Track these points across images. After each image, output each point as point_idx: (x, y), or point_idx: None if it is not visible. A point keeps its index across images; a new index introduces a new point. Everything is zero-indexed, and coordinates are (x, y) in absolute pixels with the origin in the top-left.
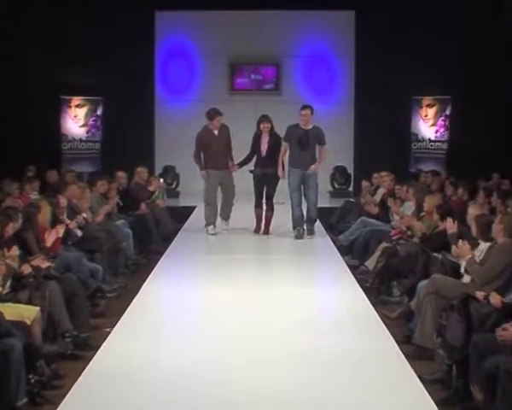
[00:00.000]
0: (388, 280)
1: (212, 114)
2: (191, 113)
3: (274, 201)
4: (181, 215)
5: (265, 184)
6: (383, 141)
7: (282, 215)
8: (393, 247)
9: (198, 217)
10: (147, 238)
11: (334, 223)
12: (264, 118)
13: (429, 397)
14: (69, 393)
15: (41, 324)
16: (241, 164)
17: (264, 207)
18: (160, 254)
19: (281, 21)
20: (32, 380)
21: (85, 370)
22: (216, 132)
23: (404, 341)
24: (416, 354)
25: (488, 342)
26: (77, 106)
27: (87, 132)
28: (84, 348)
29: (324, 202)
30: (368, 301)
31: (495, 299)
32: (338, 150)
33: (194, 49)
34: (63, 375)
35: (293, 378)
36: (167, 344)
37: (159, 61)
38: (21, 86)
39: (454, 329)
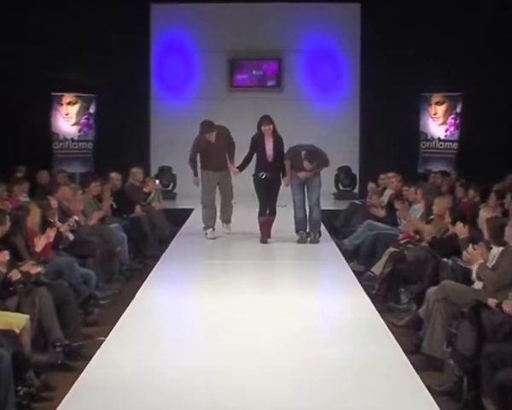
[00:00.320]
0: (396, 286)
1: (206, 127)
2: (188, 111)
3: (282, 206)
4: (178, 218)
5: (269, 189)
6: (390, 140)
7: (284, 218)
8: (401, 252)
9: (196, 220)
10: (142, 242)
11: (338, 226)
12: (266, 119)
13: None
14: (60, 405)
15: (30, 332)
16: (242, 168)
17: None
18: (155, 259)
19: (282, 14)
20: (21, 392)
21: (77, 381)
22: (213, 139)
23: (412, 350)
24: (424, 364)
25: (501, 353)
26: (68, 103)
27: (79, 131)
28: (75, 358)
29: (328, 204)
30: (374, 308)
31: (508, 306)
32: (342, 150)
33: (192, 43)
34: (54, 386)
35: (295, 389)
36: (163, 354)
37: (154, 56)
38: (9, 82)
39: (465, 338)
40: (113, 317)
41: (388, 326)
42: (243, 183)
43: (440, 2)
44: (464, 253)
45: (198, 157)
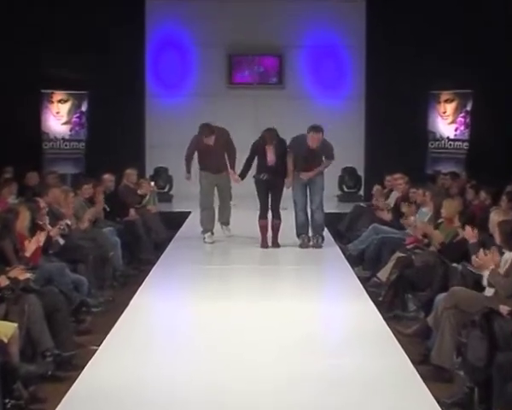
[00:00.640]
0: (403, 293)
1: (205, 132)
2: (185, 109)
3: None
4: (174, 221)
5: (271, 190)
6: (397, 140)
7: (286, 222)
8: (408, 257)
9: (193, 223)
10: (136, 247)
11: (342, 230)
12: (269, 133)
13: None
14: None
15: (19, 342)
16: (243, 175)
17: (270, 215)
18: (150, 264)
19: (284, 8)
20: (9, 405)
21: (68, 392)
22: (211, 142)
23: (421, 360)
24: (433, 374)
25: None
26: (59, 101)
27: (70, 130)
28: (66, 369)
29: (332, 207)
30: (380, 316)
31: None
32: (347, 150)
33: (189, 38)
34: (44, 398)
35: (297, 401)
36: (158, 363)
37: (150, 51)
38: None
39: (476, 347)
40: (106, 325)
41: (395, 335)
42: (243, 185)
43: None
44: (474, 258)
45: (196, 156)
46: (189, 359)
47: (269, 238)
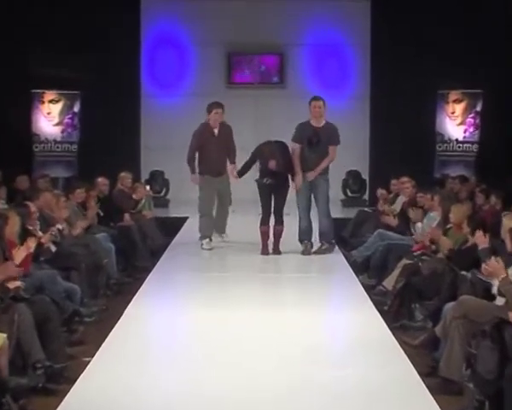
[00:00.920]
0: (409, 302)
1: (210, 105)
2: (183, 109)
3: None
4: (171, 227)
5: (273, 194)
6: (403, 142)
7: (289, 228)
8: (415, 264)
9: (191, 229)
10: (131, 254)
11: (346, 236)
12: (267, 148)
13: None
14: None
15: (8, 353)
16: (241, 174)
17: (272, 220)
18: (146, 271)
19: (285, 4)
20: None
21: (60, 406)
22: (215, 132)
23: (428, 372)
24: (441, 387)
25: None
26: (50, 101)
27: (62, 132)
28: (58, 381)
29: (335, 212)
30: (386, 326)
31: None
32: (351, 153)
33: (187, 36)
34: None
35: None
36: (154, 376)
37: (145, 49)
38: None
39: (486, 359)
40: (100, 336)
41: (401, 346)
42: (242, 190)
43: None
44: (485, 265)
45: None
46: (186, 370)
47: (270, 245)
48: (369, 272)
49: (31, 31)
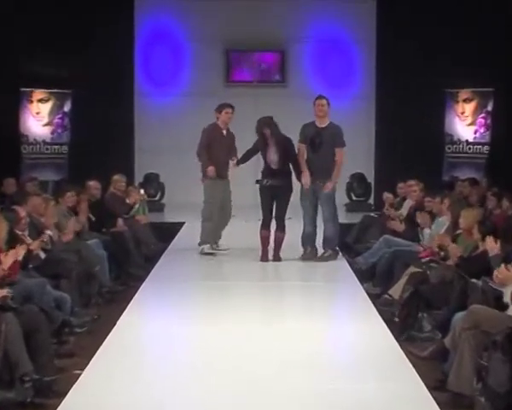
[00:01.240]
0: (417, 312)
1: (221, 105)
2: (178, 109)
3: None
4: (166, 233)
5: (274, 197)
6: (410, 143)
7: (290, 232)
8: (423, 271)
9: (187, 235)
10: (125, 261)
11: (350, 242)
12: (260, 123)
13: None
14: None
15: None
16: (240, 162)
17: (273, 226)
18: (140, 279)
19: None
20: None
21: None
22: (224, 132)
23: (437, 386)
24: (450, 401)
25: None
26: (39, 100)
27: (52, 133)
28: (47, 395)
29: (339, 217)
30: (392, 337)
31: None
32: (356, 155)
33: (182, 32)
34: None
35: None
36: (149, 389)
37: (139, 46)
38: None
39: (497, 371)
40: (91, 347)
41: (409, 358)
42: (242, 194)
43: None
44: (496, 273)
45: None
46: (182, 383)
47: (270, 251)
48: (375, 280)
49: (19, 27)
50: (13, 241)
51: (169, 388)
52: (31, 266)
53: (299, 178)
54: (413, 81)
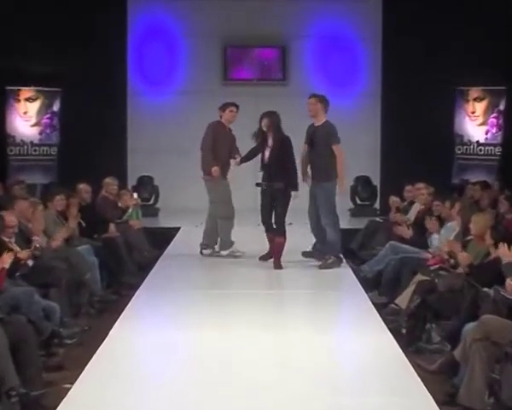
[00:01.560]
0: (425, 323)
1: (225, 104)
2: (174, 108)
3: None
4: (161, 239)
5: (273, 201)
6: (418, 144)
7: (291, 238)
8: (432, 280)
9: (183, 241)
10: (117, 268)
11: (355, 249)
12: (264, 114)
13: None
14: None
15: None
16: (243, 160)
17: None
18: (133, 288)
19: None
20: None
21: None
22: (227, 129)
23: (447, 400)
24: None
25: None
26: (27, 99)
27: (40, 133)
28: None
29: (343, 222)
30: (399, 348)
31: None
32: (360, 156)
33: (178, 27)
34: None
35: None
36: (141, 404)
37: (132, 42)
38: None
39: (510, 385)
40: (82, 359)
41: (417, 371)
42: (240, 197)
43: None
44: (509, 281)
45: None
46: (177, 398)
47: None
48: (381, 288)
49: (4, 21)
50: None
51: (163, 403)
52: (18, 274)
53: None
54: (421, 79)
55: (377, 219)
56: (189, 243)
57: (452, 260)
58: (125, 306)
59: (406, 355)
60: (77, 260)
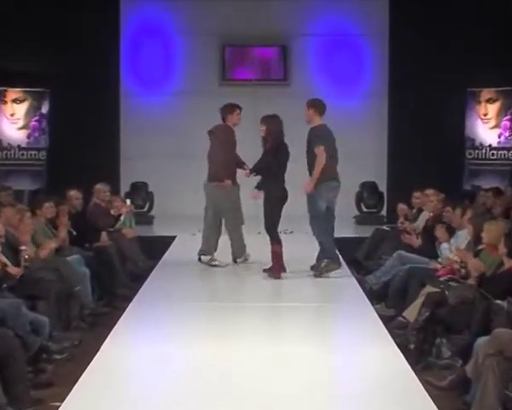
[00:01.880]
0: (435, 337)
1: (232, 106)
2: (169, 110)
3: (282, 230)
4: (156, 248)
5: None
6: (427, 148)
7: (292, 247)
8: (441, 291)
9: (179, 250)
10: (109, 279)
11: (361, 259)
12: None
13: None
14: None
15: None
16: (252, 170)
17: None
18: (127, 300)
19: None
20: None
21: None
22: (238, 120)
23: None
24: None
25: None
26: (14, 101)
27: (28, 137)
28: None
29: (348, 230)
30: (407, 364)
31: None
32: (366, 161)
33: (174, 25)
34: None
35: None
36: None
37: (125, 41)
38: None
39: None
40: (72, 376)
41: (426, 388)
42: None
43: None
44: None
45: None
46: None
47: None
48: (387, 300)
49: None
50: None
51: None
52: (4, 285)
53: None
54: (430, 79)
55: (384, 227)
56: (185, 253)
57: (463, 271)
58: (118, 319)
59: (415, 372)
60: (67, 271)
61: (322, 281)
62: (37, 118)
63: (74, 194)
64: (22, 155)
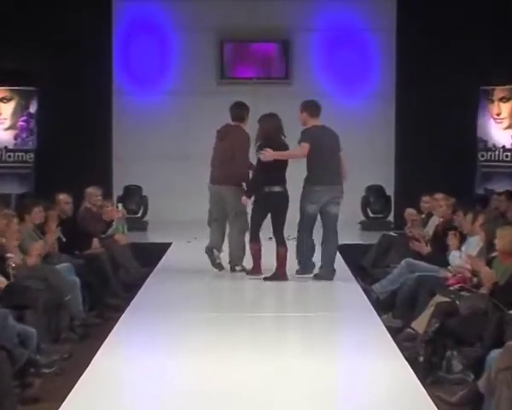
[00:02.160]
0: (445, 349)
1: (242, 104)
2: (164, 110)
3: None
4: (150, 256)
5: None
6: (437, 150)
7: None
8: (452, 301)
9: (174, 258)
10: (101, 289)
11: (367, 266)
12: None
13: None
14: None
15: None
16: None
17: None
18: (119, 310)
19: None
20: None
21: None
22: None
23: None
24: None
25: None
26: (1, 100)
27: (15, 138)
28: None
29: (353, 236)
30: (416, 378)
31: None
32: (372, 164)
33: (169, 20)
34: None
35: None
36: None
37: (117, 36)
38: None
39: None
40: (61, 391)
41: (436, 403)
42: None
43: None
44: None
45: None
46: None
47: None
48: (395, 310)
49: None
50: None
51: None
52: None
53: None
54: (440, 77)
55: (391, 233)
56: (180, 261)
57: (475, 279)
58: (110, 330)
59: (424, 386)
60: (56, 280)
61: (327, 290)
62: (24, 118)
63: (64, 198)
64: (9, 157)
